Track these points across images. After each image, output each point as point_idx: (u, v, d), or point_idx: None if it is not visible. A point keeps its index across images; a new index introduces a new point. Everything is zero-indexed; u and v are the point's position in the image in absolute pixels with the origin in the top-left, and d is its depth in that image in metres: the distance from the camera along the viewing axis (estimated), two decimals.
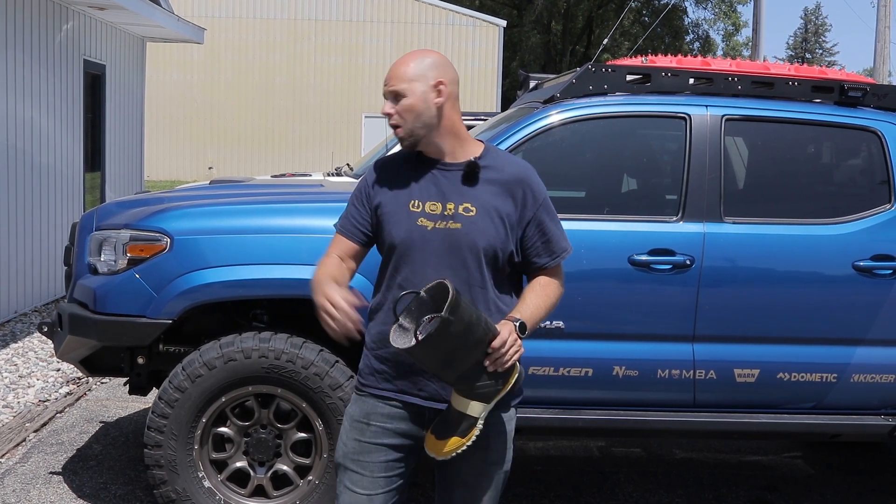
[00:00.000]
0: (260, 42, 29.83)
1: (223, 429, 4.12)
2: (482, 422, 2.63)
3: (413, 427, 2.76)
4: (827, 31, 77.87)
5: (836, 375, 4.32)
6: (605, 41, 14.88)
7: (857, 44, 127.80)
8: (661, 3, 41.84)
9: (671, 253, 4.19)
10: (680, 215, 4.26)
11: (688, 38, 45.11)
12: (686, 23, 43.72)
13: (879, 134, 4.44)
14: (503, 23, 31.37)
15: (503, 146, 4.17)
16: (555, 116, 4.29)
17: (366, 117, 30.34)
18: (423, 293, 2.54)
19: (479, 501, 2.82)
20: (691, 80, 4.46)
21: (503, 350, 2.54)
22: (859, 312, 4.31)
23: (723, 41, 48.99)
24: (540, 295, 2.76)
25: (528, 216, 2.76)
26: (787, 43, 74.18)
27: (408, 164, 2.81)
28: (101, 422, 5.84)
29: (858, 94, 4.48)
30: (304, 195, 4.80)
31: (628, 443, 5.92)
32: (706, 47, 47.05)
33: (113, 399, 6.36)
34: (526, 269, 2.83)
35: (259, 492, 4.14)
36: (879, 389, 4.36)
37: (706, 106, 4.37)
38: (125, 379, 6.55)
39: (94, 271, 4.25)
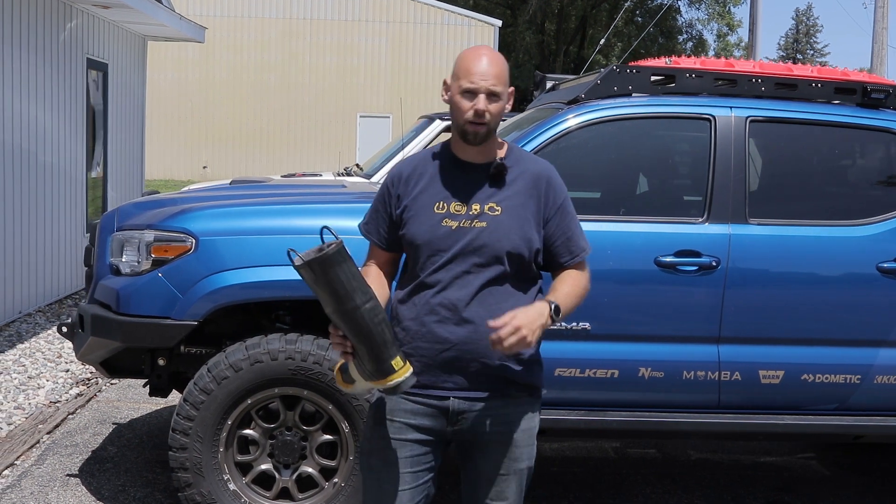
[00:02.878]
0: (255, 41, 29.79)
1: (248, 431, 4.09)
2: (368, 394, 2.62)
3: (437, 422, 2.77)
4: (818, 32, 78.18)
5: (859, 377, 4.32)
6: (602, 41, 14.87)
7: (848, 44, 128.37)
8: (655, 3, 41.91)
9: (697, 254, 4.19)
10: (705, 216, 4.26)
11: (681, 39, 45.17)
12: (679, 23, 43.78)
13: None
14: (498, 22, 31.39)
15: (530, 146, 4.16)
16: (581, 117, 4.27)
17: (360, 117, 30.33)
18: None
19: (506, 496, 2.83)
20: (714, 82, 4.46)
21: (504, 331, 2.53)
22: (883, 314, 4.31)
23: (715, 41, 49.09)
24: (571, 284, 2.79)
25: (550, 215, 2.80)
26: (779, 43, 74.43)
27: (432, 164, 2.83)
28: (113, 423, 5.81)
29: (881, 96, 4.48)
30: (330, 196, 4.78)
31: (643, 444, 5.92)
32: (699, 48, 47.13)
33: (124, 400, 6.33)
34: (548, 267, 2.85)
35: (284, 494, 4.12)
36: None
37: (730, 107, 4.36)
38: (136, 380, 6.57)
39: (117, 272, 4.22)
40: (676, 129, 4.54)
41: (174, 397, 6.24)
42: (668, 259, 4.17)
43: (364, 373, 2.61)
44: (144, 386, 4.83)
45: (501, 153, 2.80)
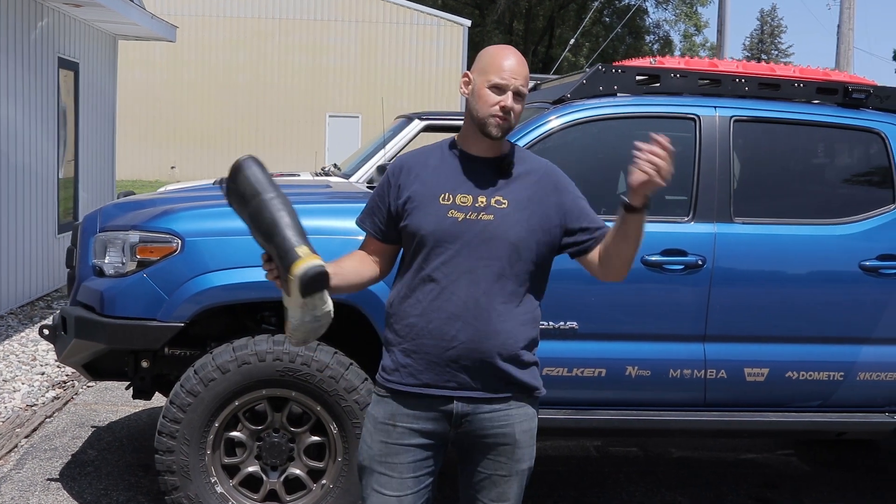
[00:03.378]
0: (224, 41, 29.63)
1: (235, 433, 4.06)
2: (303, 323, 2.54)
3: (440, 425, 2.74)
4: (783, 33, 78.99)
5: (842, 374, 4.36)
6: (572, 41, 14.93)
7: (813, 44, 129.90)
8: (623, 3, 42.15)
9: (683, 253, 4.21)
10: (691, 216, 4.28)
11: (648, 39, 45.47)
12: (647, 23, 44.07)
13: (883, 135, 4.49)
14: (468, 22, 31.44)
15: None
16: (568, 116, 4.28)
17: (330, 117, 30.25)
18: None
19: (508, 497, 2.81)
20: (699, 82, 4.49)
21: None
22: (865, 311, 4.36)
23: (681, 41, 49.45)
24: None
25: (564, 212, 2.78)
26: (744, 44, 75.09)
27: (435, 157, 2.81)
28: (92, 426, 5.74)
29: (862, 96, 4.53)
30: (317, 196, 4.76)
31: (625, 442, 5.94)
32: (666, 48, 47.45)
33: (102, 403, 6.26)
34: (579, 252, 2.81)
35: (271, 496, 4.09)
36: (884, 387, 4.41)
37: (715, 107, 4.39)
38: (113, 383, 6.50)
39: (100, 273, 4.17)
40: (661, 128, 4.50)
41: (154, 400, 6.20)
42: (655, 258, 4.19)
43: (284, 287, 2.48)
44: (127, 388, 4.78)
45: (506, 150, 2.80)
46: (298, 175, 7.99)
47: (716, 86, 4.48)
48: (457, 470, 2.90)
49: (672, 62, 4.57)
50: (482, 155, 2.78)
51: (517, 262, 2.73)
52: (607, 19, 43.85)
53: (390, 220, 2.80)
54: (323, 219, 4.11)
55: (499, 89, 2.69)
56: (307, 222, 4.04)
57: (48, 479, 4.84)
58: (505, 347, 2.70)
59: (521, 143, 4.21)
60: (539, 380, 2.83)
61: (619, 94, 4.42)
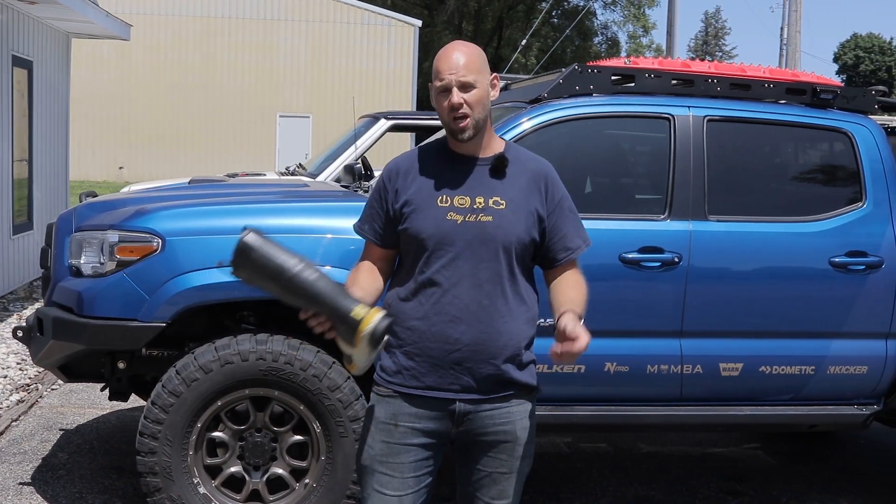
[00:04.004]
0: (173, 40, 29.29)
1: (217, 433, 4.04)
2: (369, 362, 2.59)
3: (442, 424, 2.76)
4: (727, 35, 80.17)
5: (813, 368, 4.46)
6: (524, 41, 15.04)
7: (755, 45, 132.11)
8: (571, 5, 42.48)
9: (660, 251, 4.28)
10: (667, 213, 4.35)
11: (596, 40, 45.87)
12: (595, 24, 44.48)
13: (850, 135, 4.60)
14: (418, 23, 31.45)
15: None
16: (544, 116, 4.32)
17: (280, 117, 30.07)
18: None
19: (507, 495, 2.84)
20: (672, 82, 4.56)
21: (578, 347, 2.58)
22: (835, 307, 4.46)
23: (626, 42, 49.97)
24: (579, 290, 2.81)
25: (550, 210, 2.81)
26: (689, 45, 76.05)
27: (429, 159, 2.81)
28: (60, 429, 5.66)
29: (830, 97, 4.64)
30: (296, 195, 4.74)
31: (595, 438, 6.01)
32: (613, 49, 47.89)
33: (68, 406, 6.17)
34: (547, 261, 2.85)
35: (254, 496, 4.07)
36: (853, 380, 4.52)
37: (688, 107, 4.47)
38: (79, 385, 6.42)
39: (78, 273, 4.11)
40: (637, 128, 4.62)
41: (121, 402, 6.13)
42: (633, 255, 4.25)
43: (345, 339, 2.55)
44: (102, 389, 4.72)
45: (500, 148, 2.82)
46: (265, 175, 7.97)
47: (688, 86, 4.56)
48: (453, 468, 2.93)
49: (646, 62, 4.64)
50: (474, 155, 2.79)
51: (517, 261, 2.76)
52: (556, 20, 44.12)
53: (389, 225, 2.80)
54: (310, 217, 4.11)
55: (445, 91, 2.70)
56: (294, 221, 4.07)
57: (20, 484, 4.77)
58: (508, 348, 2.74)
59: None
60: (535, 378, 2.86)
61: (594, 94, 4.48)
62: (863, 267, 4.45)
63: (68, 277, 4.17)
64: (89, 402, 6.25)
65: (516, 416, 2.79)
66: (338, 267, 3.89)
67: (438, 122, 8.67)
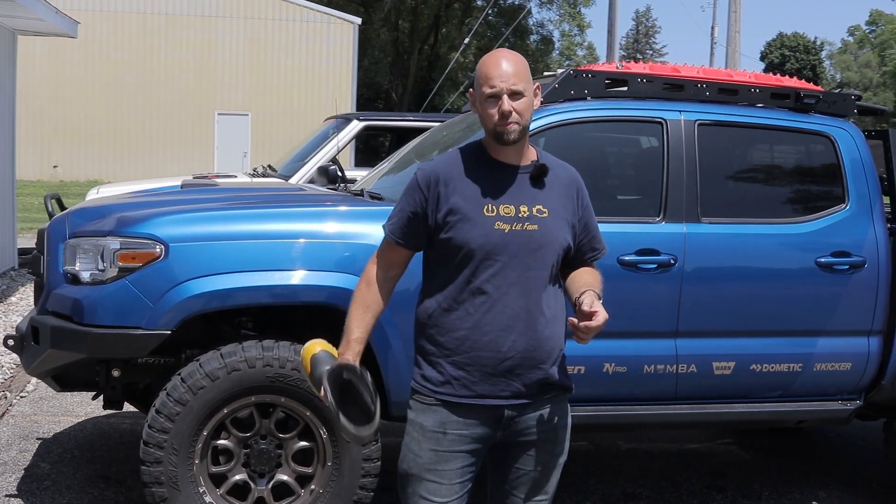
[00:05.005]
0: (109, 37, 28.70)
1: (222, 441, 4.00)
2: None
3: (489, 430, 2.80)
4: (657, 33, 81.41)
5: (801, 365, 4.58)
6: (466, 39, 15.09)
7: (684, 44, 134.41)
8: (508, 3, 42.72)
9: (656, 253, 4.35)
10: (661, 216, 4.42)
11: (532, 39, 46.19)
12: (531, 23, 44.81)
13: (832, 138, 4.73)
14: (358, 20, 31.35)
15: None
16: (542, 120, 4.36)
17: (219, 115, 29.71)
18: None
19: (545, 492, 2.92)
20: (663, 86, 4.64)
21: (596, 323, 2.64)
22: (821, 305, 4.59)
23: (559, 41, 50.35)
24: (595, 276, 2.90)
25: (580, 214, 2.88)
26: (620, 44, 76.94)
27: (466, 166, 2.81)
28: (37, 438, 5.53)
29: (812, 101, 4.77)
30: (297, 199, 4.70)
31: (574, 436, 6.06)
32: (547, 47, 48.28)
33: (41, 414, 6.04)
34: (575, 262, 2.91)
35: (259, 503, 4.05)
36: (837, 376, 4.65)
37: (679, 111, 4.55)
38: (51, 392, 6.29)
39: (75, 280, 4.03)
40: (631, 132, 4.70)
41: (95, 410, 6.03)
42: (630, 258, 4.32)
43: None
44: (95, 398, 4.65)
45: (534, 156, 2.85)
46: (235, 177, 7.88)
47: (678, 91, 4.64)
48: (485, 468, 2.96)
49: (637, 67, 4.71)
50: (514, 163, 2.82)
51: (557, 267, 2.81)
52: (492, 18, 44.29)
53: (425, 231, 2.80)
54: (317, 223, 4.12)
55: (494, 98, 2.73)
56: (300, 227, 4.02)
57: (6, 496, 4.66)
58: (553, 352, 2.79)
59: None
60: (570, 378, 2.92)
61: (588, 98, 4.54)
62: (847, 267, 4.58)
63: (64, 285, 4.09)
64: (62, 409, 6.13)
65: (556, 414, 2.86)
66: (339, 272, 3.93)
67: (412, 124, 8.69)
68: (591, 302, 2.67)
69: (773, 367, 4.55)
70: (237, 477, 4.02)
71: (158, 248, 3.91)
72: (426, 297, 2.86)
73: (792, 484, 5.40)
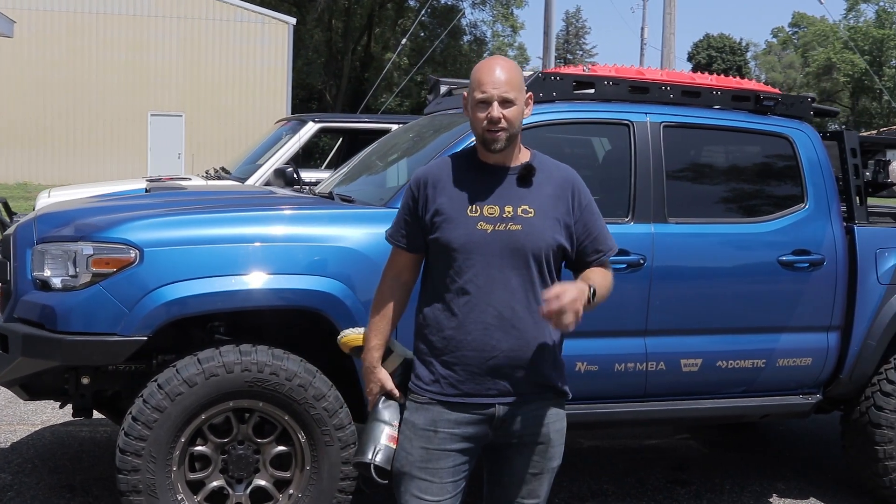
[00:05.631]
0: (37, 35, 28.02)
1: (199, 447, 3.96)
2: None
3: (480, 428, 2.83)
4: (587, 34, 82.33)
5: (764, 361, 4.70)
6: (404, 40, 15.16)
7: (614, 44, 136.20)
8: (441, 3, 42.79)
9: (626, 253, 4.41)
10: (630, 217, 4.50)
11: (465, 39, 46.34)
12: (464, 23, 44.96)
13: (791, 139, 4.86)
14: (292, 20, 31.14)
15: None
16: None
17: (152, 115, 29.26)
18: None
19: (538, 494, 2.94)
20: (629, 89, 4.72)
21: (555, 304, 2.57)
22: (783, 302, 4.71)
23: (491, 40, 50.52)
24: (602, 275, 2.90)
25: (578, 214, 2.90)
26: None
27: (456, 169, 2.87)
28: None
29: (771, 104, 4.89)
30: (270, 202, 4.67)
31: None
32: (480, 47, 48.45)
33: None
34: (575, 266, 2.95)
35: None
36: (799, 371, 4.78)
37: (645, 113, 4.63)
38: (2, 400, 6.14)
39: (44, 287, 3.95)
40: (598, 134, 4.77)
41: (52, 417, 5.92)
42: None
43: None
44: (62, 406, 4.56)
45: (527, 158, 2.89)
46: (190, 179, 7.77)
47: (644, 93, 4.73)
48: (482, 469, 2.98)
49: (603, 70, 4.78)
50: (503, 164, 2.86)
51: (545, 267, 2.84)
52: (426, 18, 44.34)
53: (419, 233, 2.86)
54: (293, 226, 4.11)
55: (484, 104, 2.78)
56: (277, 230, 4.00)
57: None
58: (542, 352, 2.82)
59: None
60: (565, 380, 2.95)
61: (556, 101, 4.59)
62: (807, 265, 4.71)
63: (32, 291, 4.00)
64: (17, 418, 6.00)
65: (550, 418, 2.88)
66: (315, 275, 3.94)
67: (366, 126, 8.65)
68: (564, 286, 2.62)
69: (738, 364, 4.66)
70: (214, 483, 3.99)
71: (133, 253, 3.86)
72: (420, 297, 2.91)
73: (751, 476, 5.53)
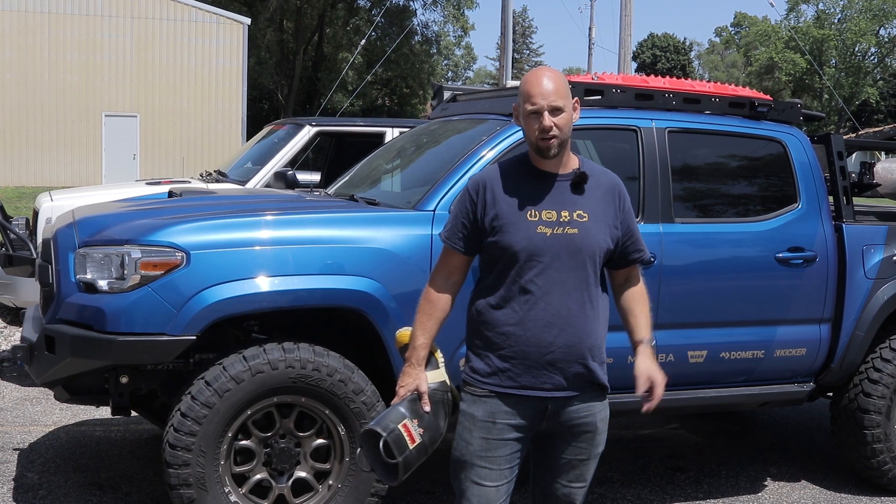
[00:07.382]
0: None
1: (244, 441, 4.13)
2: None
3: (534, 420, 3.06)
4: (534, 34, 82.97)
5: (763, 352, 4.99)
6: (362, 42, 15.31)
7: (560, 44, 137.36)
8: (392, 3, 42.92)
9: None
10: (640, 217, 4.76)
11: (416, 39, 46.50)
12: (415, 24, 45.13)
13: (783, 143, 5.17)
14: (247, 21, 31.04)
15: (483, 162, 4.46)
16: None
17: (106, 116, 28.99)
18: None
19: (585, 478, 3.19)
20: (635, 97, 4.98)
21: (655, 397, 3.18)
22: (781, 297, 5.01)
23: (435, 42, 50.66)
24: (643, 308, 3.27)
25: (622, 217, 3.16)
26: (497, 43, 78.14)
27: (512, 175, 3.08)
28: (14, 449, 5.49)
29: (765, 110, 5.19)
30: (305, 205, 4.84)
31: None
32: (426, 46, 48.62)
33: (8, 424, 5.97)
34: (620, 262, 3.21)
35: (279, 500, 4.20)
36: (794, 361, 5.09)
37: (651, 120, 4.90)
38: (9, 402, 6.22)
39: (90, 289, 4.08)
40: (608, 139, 5.01)
41: (59, 417, 6.02)
42: None
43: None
44: (98, 406, 4.68)
45: (576, 165, 3.12)
46: (190, 181, 7.87)
47: (648, 100, 4.99)
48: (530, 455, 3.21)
49: (610, 78, 5.04)
50: (556, 171, 3.09)
51: (597, 268, 3.08)
52: (378, 18, 44.43)
53: (477, 236, 3.07)
54: (332, 229, 4.30)
55: (536, 114, 3.01)
56: (317, 233, 4.18)
57: None
58: (594, 349, 3.07)
59: (487, 154, 4.53)
60: (607, 377, 3.19)
61: None
62: (801, 261, 5.01)
63: (76, 293, 4.14)
64: (29, 419, 6.09)
65: (596, 408, 3.12)
66: (355, 275, 4.14)
67: (362, 129, 8.80)
68: (648, 368, 3.18)
69: (739, 355, 4.95)
70: (258, 476, 4.16)
71: (179, 256, 4.02)
72: (477, 296, 3.12)
73: (744, 462, 5.84)
